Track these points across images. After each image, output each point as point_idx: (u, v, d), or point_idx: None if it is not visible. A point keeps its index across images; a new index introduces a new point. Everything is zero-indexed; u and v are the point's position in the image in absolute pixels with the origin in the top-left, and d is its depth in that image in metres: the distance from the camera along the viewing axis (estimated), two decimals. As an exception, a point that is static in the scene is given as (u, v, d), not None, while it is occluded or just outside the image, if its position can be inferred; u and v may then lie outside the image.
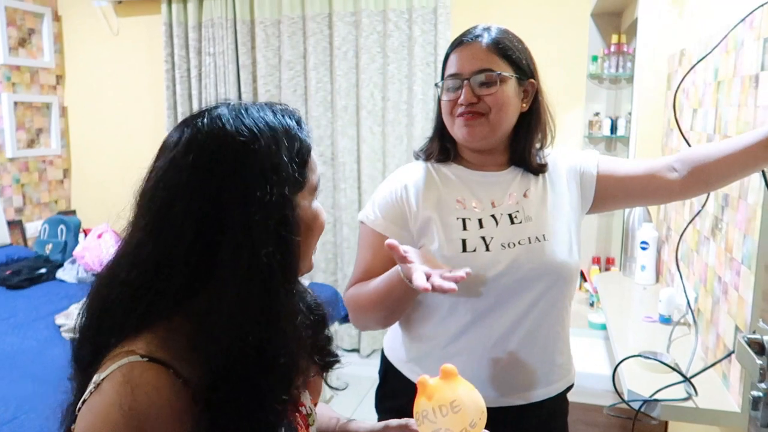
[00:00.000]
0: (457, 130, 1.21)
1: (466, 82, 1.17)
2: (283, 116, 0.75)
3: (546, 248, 1.19)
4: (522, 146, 1.25)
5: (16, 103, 3.90)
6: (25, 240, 3.97)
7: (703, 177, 1.13)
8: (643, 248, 2.10)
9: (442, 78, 1.25)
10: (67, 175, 4.32)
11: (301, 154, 0.74)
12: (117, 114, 4.12)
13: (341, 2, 3.47)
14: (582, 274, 3.09)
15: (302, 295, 0.83)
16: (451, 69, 1.21)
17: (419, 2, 3.34)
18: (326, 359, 0.92)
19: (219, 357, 0.66)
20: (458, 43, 1.22)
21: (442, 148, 1.29)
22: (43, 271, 3.40)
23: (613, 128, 3.04)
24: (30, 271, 3.34)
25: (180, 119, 3.79)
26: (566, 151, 1.33)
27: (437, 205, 1.23)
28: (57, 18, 4.17)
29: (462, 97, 1.18)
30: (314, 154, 0.78)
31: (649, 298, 1.99)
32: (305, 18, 3.55)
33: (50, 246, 3.74)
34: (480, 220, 1.21)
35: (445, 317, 1.21)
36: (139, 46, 4.02)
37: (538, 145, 1.27)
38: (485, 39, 1.19)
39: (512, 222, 1.21)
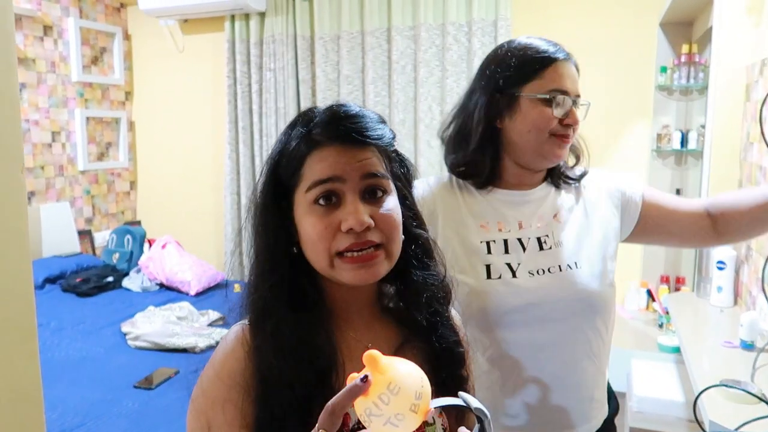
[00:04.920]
0: (550, 148, 1.12)
1: (573, 102, 1.12)
2: (294, 122, 0.80)
3: (578, 277, 1.12)
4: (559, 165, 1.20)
5: (87, 119, 4.08)
6: (93, 249, 4.13)
7: (734, 225, 1.13)
8: (720, 268, 1.98)
9: (509, 83, 1.13)
10: (133, 187, 4.48)
11: (294, 155, 0.77)
12: (181, 128, 4.26)
13: (400, 16, 3.48)
14: (650, 293, 2.96)
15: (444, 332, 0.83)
16: (553, 84, 1.10)
17: (479, 15, 3.30)
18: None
19: None
20: (554, 58, 1.11)
21: (491, 170, 1.17)
22: (110, 279, 3.53)
23: (684, 141, 2.91)
24: (98, 280, 3.46)
25: (240, 133, 3.88)
26: (608, 173, 1.26)
27: (459, 227, 1.16)
28: (127, 37, 4.36)
29: (572, 117, 1.11)
30: (326, 152, 0.75)
31: (728, 322, 1.88)
32: (364, 33, 3.57)
33: (117, 255, 3.87)
34: (506, 242, 1.14)
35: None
36: (203, 63, 4.15)
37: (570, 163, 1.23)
38: (573, 60, 1.14)
39: (541, 248, 1.14)
